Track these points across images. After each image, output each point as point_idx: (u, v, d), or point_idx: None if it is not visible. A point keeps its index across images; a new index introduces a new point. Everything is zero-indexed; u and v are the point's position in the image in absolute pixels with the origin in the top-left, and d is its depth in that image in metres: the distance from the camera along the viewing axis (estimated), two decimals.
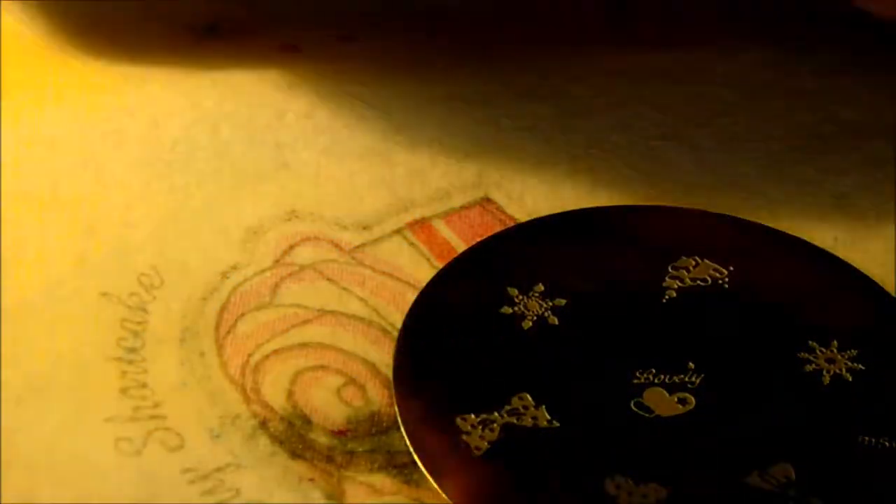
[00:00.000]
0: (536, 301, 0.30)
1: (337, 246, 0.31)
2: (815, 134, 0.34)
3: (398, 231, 0.31)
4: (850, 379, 0.29)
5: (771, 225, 0.32)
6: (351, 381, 0.28)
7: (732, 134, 0.34)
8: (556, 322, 0.29)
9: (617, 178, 0.33)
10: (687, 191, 0.33)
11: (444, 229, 0.31)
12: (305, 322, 0.29)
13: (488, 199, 0.32)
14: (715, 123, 0.34)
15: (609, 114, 0.35)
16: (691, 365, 0.29)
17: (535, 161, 0.33)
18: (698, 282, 0.30)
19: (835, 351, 0.29)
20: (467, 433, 0.27)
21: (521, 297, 0.30)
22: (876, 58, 0.36)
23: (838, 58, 0.36)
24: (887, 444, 0.28)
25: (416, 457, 0.27)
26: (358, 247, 0.31)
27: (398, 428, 0.27)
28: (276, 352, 0.29)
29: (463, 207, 0.32)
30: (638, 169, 0.33)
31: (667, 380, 0.28)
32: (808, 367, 0.29)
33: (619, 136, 0.34)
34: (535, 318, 0.29)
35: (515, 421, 0.27)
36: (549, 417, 0.27)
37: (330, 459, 0.27)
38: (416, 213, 0.31)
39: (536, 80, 0.35)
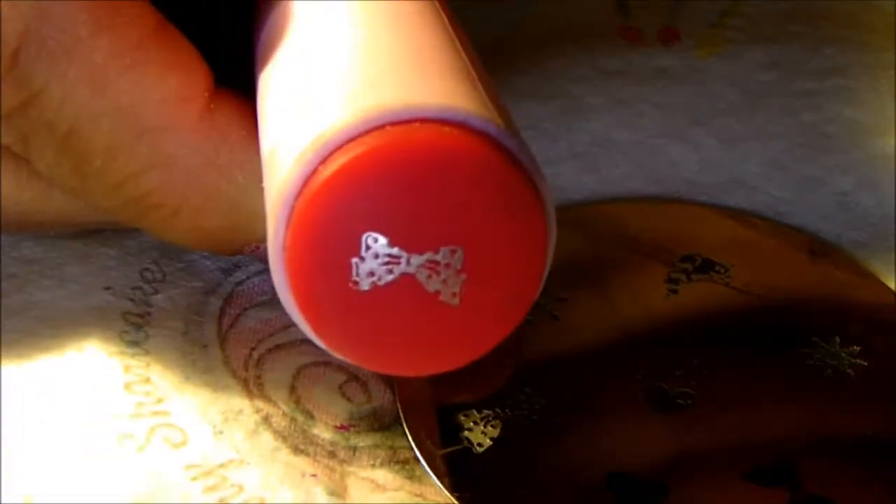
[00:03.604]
0: (541, 297, 0.30)
1: None
2: (817, 133, 0.34)
3: None
4: (853, 375, 0.29)
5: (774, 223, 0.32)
6: (353, 376, 0.28)
7: (735, 133, 0.34)
8: (559, 318, 0.29)
9: (620, 176, 0.33)
10: (690, 189, 0.33)
11: None
12: None
13: None
14: (717, 123, 0.34)
15: (611, 113, 0.35)
16: (694, 361, 0.29)
17: (538, 160, 0.33)
18: (701, 278, 0.30)
19: (837, 347, 0.29)
20: (469, 429, 0.27)
21: None
22: (878, 57, 0.36)
23: (840, 58, 0.36)
24: (890, 440, 0.28)
25: (418, 453, 0.27)
26: None
27: (400, 424, 0.27)
28: (278, 347, 0.29)
29: None
30: (641, 168, 0.33)
31: (669, 376, 0.28)
32: (810, 363, 0.29)
33: (621, 135, 0.34)
34: (536, 313, 0.29)
35: (518, 418, 0.27)
36: (550, 414, 0.27)
37: (332, 455, 0.27)
38: None
39: (539, 81, 0.35)
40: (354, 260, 0.23)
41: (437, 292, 0.24)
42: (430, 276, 0.23)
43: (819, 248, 0.31)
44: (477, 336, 0.24)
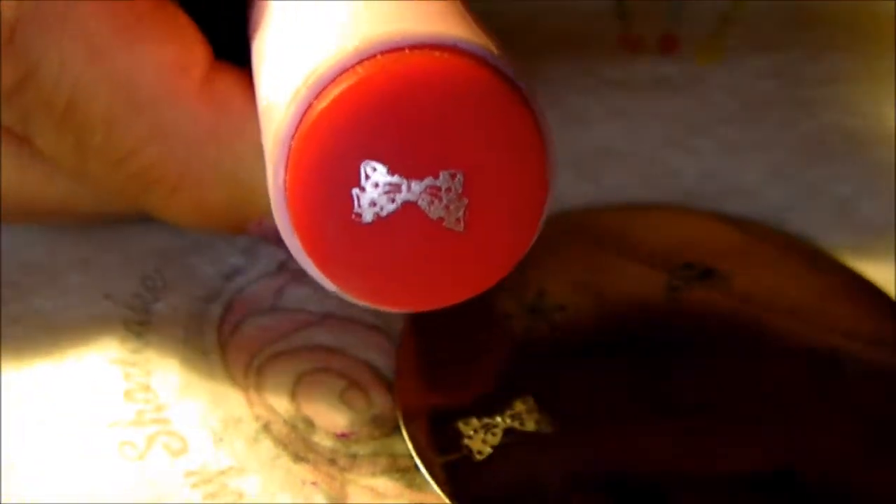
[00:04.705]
0: (538, 303, 0.30)
1: None
2: (817, 141, 0.34)
3: None
4: (852, 382, 0.29)
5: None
6: (353, 384, 0.28)
7: (735, 141, 0.34)
8: (558, 325, 0.29)
9: (620, 186, 0.33)
10: (690, 197, 0.33)
11: None
12: (309, 325, 0.29)
13: None
14: (717, 131, 0.34)
15: (611, 122, 0.35)
16: (694, 369, 0.29)
17: None
18: (701, 286, 0.30)
19: (837, 354, 0.29)
20: (469, 437, 0.27)
21: (523, 300, 0.30)
22: (879, 65, 0.36)
23: (840, 66, 0.36)
24: (891, 448, 0.28)
25: (418, 461, 0.27)
26: None
27: (401, 431, 0.27)
28: (279, 354, 0.29)
29: None
30: (641, 176, 0.33)
31: (669, 384, 0.28)
32: (811, 370, 0.29)
33: (621, 145, 0.34)
34: (538, 321, 0.29)
35: (518, 425, 0.27)
36: (551, 421, 0.27)
37: (333, 463, 0.27)
38: None
39: (538, 90, 0.35)
40: (355, 191, 0.23)
41: (441, 219, 0.24)
42: (432, 203, 0.23)
43: (819, 256, 0.31)
44: (484, 264, 0.24)
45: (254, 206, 0.27)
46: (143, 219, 0.30)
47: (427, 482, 0.27)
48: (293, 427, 0.27)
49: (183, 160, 0.26)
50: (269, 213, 0.25)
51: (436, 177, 0.23)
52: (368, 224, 0.23)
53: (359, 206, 0.23)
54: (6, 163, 0.27)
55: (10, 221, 0.29)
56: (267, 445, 0.27)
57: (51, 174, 0.28)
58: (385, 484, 0.27)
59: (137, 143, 0.26)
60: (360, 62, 0.23)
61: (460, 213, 0.24)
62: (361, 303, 0.25)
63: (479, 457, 0.27)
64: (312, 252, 0.24)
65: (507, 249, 0.24)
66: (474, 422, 0.27)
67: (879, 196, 0.33)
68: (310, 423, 0.27)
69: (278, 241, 0.25)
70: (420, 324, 0.29)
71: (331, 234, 0.24)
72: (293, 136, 0.23)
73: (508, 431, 0.27)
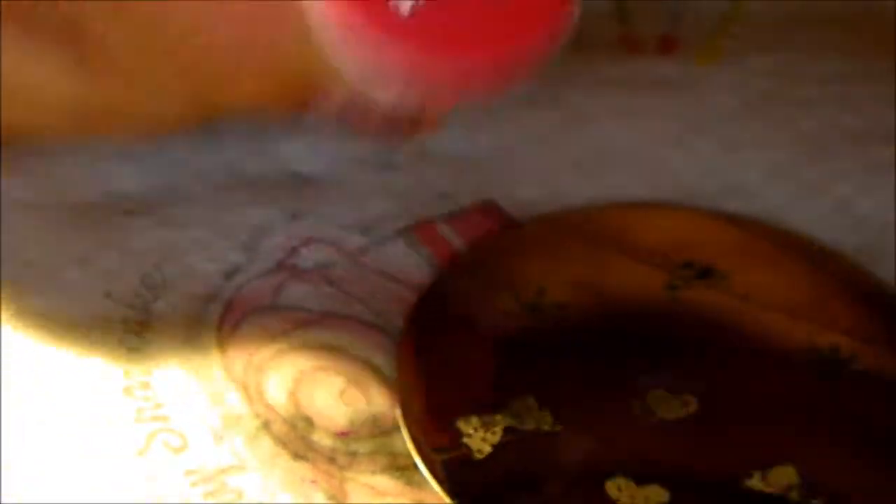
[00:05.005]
0: (538, 302, 0.30)
1: (340, 248, 0.31)
2: (817, 140, 0.34)
3: (401, 233, 0.31)
4: (852, 381, 0.29)
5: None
6: (353, 382, 0.28)
7: (735, 140, 0.34)
8: (559, 323, 0.29)
9: (621, 184, 0.33)
10: (690, 196, 0.33)
11: (447, 232, 0.31)
12: (308, 324, 0.29)
13: (491, 203, 0.32)
14: (717, 130, 0.34)
15: (612, 122, 0.35)
16: (694, 368, 0.29)
17: (538, 167, 0.33)
18: (701, 284, 0.30)
19: (837, 352, 0.29)
20: (469, 436, 0.27)
21: (524, 299, 0.30)
22: (878, 65, 0.36)
23: (840, 65, 0.36)
24: (890, 447, 0.28)
25: (417, 459, 0.27)
26: (361, 249, 0.31)
27: (400, 430, 0.27)
28: (278, 352, 0.29)
29: (466, 210, 0.32)
30: (641, 175, 0.33)
31: (669, 381, 0.28)
32: (811, 369, 0.29)
33: (622, 144, 0.34)
34: (538, 319, 0.29)
35: (517, 424, 0.27)
36: (550, 420, 0.27)
37: (332, 461, 0.27)
38: (419, 216, 0.32)
39: (537, 89, 0.35)
40: None
41: None
42: None
43: (818, 255, 0.31)
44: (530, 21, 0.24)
45: (312, 78, 0.27)
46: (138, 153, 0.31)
47: (426, 480, 0.27)
48: (293, 425, 0.27)
49: (239, 43, 0.27)
50: (329, 87, 0.25)
51: None
52: None
53: None
54: (50, 65, 0.28)
55: (15, 132, 0.30)
56: (266, 444, 0.27)
57: (94, 80, 0.28)
58: (384, 482, 0.27)
59: (190, 33, 0.27)
60: None
61: None
62: (401, 74, 0.25)
63: (478, 455, 0.27)
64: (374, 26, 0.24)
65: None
66: (474, 420, 0.27)
67: (878, 195, 0.33)
68: (309, 422, 0.27)
69: (340, 120, 0.25)
70: (420, 322, 0.29)
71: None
72: None
73: (508, 430, 0.27)
